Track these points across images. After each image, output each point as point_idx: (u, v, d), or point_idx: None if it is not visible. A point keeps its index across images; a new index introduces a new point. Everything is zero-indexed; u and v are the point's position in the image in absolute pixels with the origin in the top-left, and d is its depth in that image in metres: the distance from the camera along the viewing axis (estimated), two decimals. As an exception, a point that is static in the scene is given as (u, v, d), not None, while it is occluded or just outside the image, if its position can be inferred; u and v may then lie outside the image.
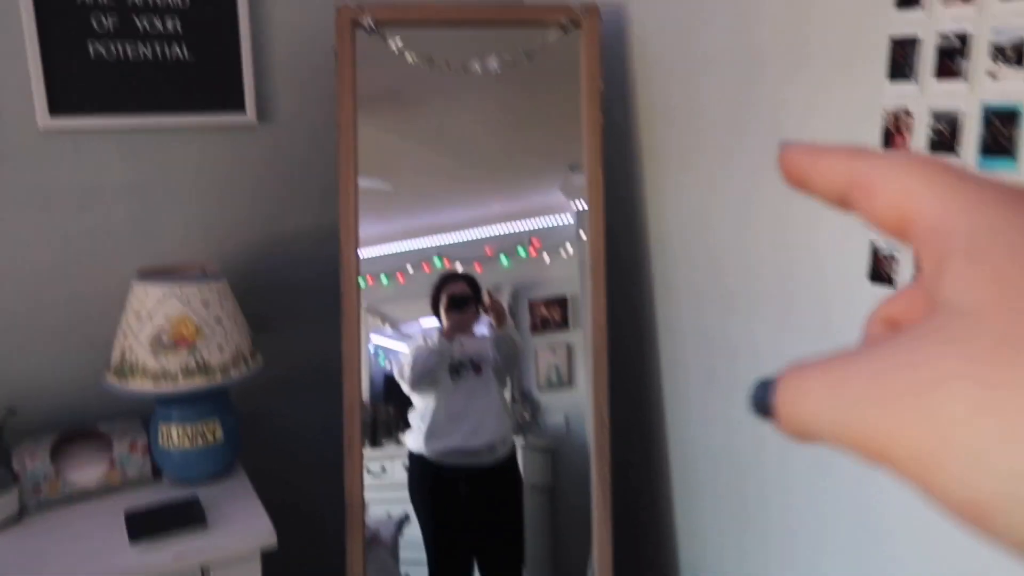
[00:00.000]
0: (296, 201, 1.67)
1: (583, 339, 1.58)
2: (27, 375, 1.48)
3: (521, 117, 1.62)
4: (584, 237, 1.55)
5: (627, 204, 1.65)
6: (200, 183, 1.57)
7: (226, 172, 1.59)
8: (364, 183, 1.48)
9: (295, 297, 1.69)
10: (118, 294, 1.43)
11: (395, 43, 1.51)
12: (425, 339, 1.55)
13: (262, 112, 1.60)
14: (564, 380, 1.54)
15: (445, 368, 1.56)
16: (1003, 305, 0.17)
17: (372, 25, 1.50)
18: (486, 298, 1.56)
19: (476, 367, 1.57)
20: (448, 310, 1.55)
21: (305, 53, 1.61)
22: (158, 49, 1.49)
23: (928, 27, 1.06)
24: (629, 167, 1.63)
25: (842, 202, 0.23)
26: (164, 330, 1.37)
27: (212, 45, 1.53)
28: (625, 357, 1.68)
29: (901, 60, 1.09)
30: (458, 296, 1.56)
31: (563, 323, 1.53)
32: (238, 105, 1.57)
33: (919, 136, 1.08)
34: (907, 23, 1.08)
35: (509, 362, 1.61)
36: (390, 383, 1.56)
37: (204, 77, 1.53)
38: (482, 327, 1.58)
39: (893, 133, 1.11)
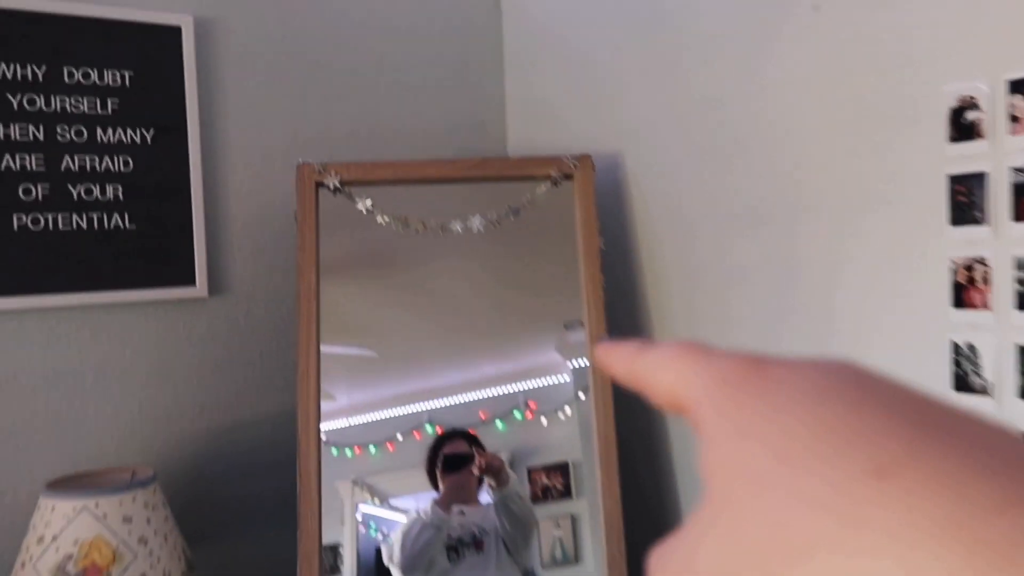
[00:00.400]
0: (254, 383, 1.43)
1: (589, 509, 1.32)
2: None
3: (510, 275, 1.44)
4: (584, 397, 1.32)
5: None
6: (139, 368, 1.35)
7: (171, 354, 1.37)
8: (343, 351, 1.30)
9: (251, 496, 1.42)
10: (29, 510, 1.17)
11: (364, 204, 1.34)
12: (419, 512, 1.29)
13: (214, 283, 1.40)
14: (570, 557, 1.33)
15: (441, 547, 1.29)
16: (721, 494, 0.19)
17: (338, 185, 1.33)
18: (478, 457, 1.31)
19: (477, 543, 1.30)
20: (443, 473, 1.31)
21: (265, 216, 1.43)
22: (95, 219, 1.30)
23: (996, 159, 0.87)
24: (636, 328, 1.41)
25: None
26: (71, 558, 1.09)
27: (158, 213, 1.34)
28: (641, 531, 1.39)
29: (965, 201, 0.90)
30: (453, 455, 1.32)
31: (566, 492, 1.35)
32: (186, 277, 1.37)
33: (1003, 289, 0.86)
34: (967, 158, 0.89)
35: (519, 526, 1.32)
36: (381, 561, 1.29)
37: (147, 248, 1.34)
38: (484, 494, 1.32)
39: (966, 287, 0.90)
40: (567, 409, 1.34)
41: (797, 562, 0.16)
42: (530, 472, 1.36)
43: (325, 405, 1.27)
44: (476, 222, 1.35)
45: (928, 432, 0.17)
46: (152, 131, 1.34)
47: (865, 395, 0.18)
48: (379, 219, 1.34)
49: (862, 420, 0.17)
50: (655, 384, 0.24)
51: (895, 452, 0.16)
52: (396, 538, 1.29)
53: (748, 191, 1.18)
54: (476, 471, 1.31)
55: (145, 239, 1.34)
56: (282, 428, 1.38)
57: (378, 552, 1.31)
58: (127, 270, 1.33)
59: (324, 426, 1.25)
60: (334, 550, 1.25)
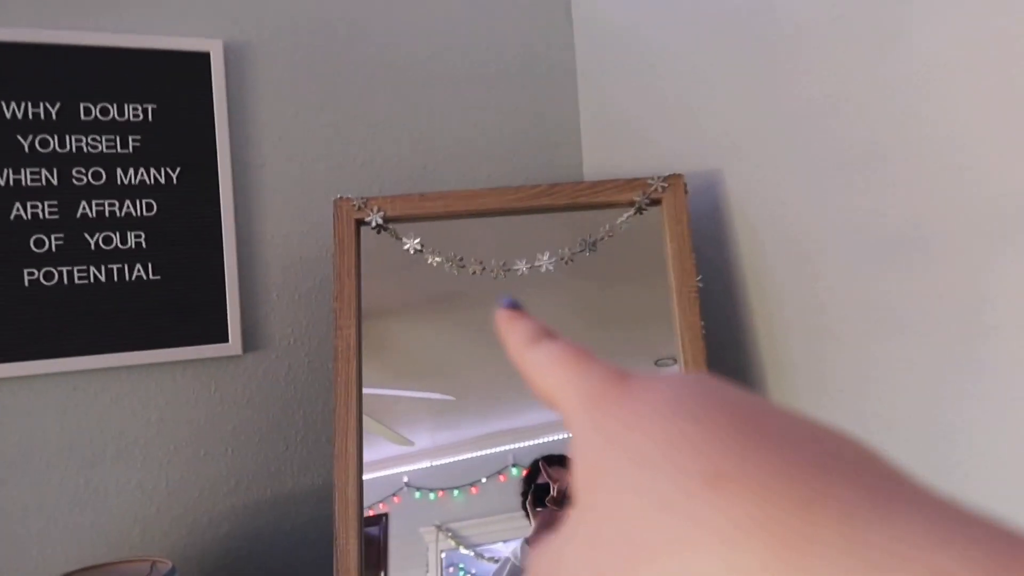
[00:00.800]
0: (297, 452, 1.24)
1: None
2: None
3: (589, 315, 1.24)
4: None
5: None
6: (165, 438, 1.18)
7: (201, 421, 1.20)
8: (419, 395, 1.18)
9: (292, 587, 1.23)
10: (36, 604, 1.01)
11: (412, 244, 1.13)
12: (511, 555, 1.12)
13: (250, 339, 1.22)
14: None
15: None
16: (586, 498, 0.20)
17: (380, 222, 1.13)
18: (554, 482, 1.11)
19: None
20: (534, 505, 1.12)
21: (307, 261, 1.26)
22: (115, 270, 1.15)
23: None
24: (748, 384, 1.15)
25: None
26: (66, 675, 0.92)
27: (185, 261, 1.18)
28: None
29: None
30: (546, 485, 1.12)
31: None
32: (218, 333, 1.20)
33: None
34: None
35: None
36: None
37: (174, 301, 1.18)
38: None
39: None
40: None
41: (645, 560, 0.18)
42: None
43: (403, 450, 1.15)
44: (545, 260, 1.13)
45: (759, 440, 0.19)
46: (178, 170, 1.18)
47: (712, 407, 0.20)
48: (430, 260, 1.14)
49: (705, 431, 0.19)
50: (537, 383, 0.26)
51: (728, 460, 0.18)
52: None
53: (893, 210, 0.91)
54: (552, 501, 1.09)
55: (171, 291, 1.18)
56: (330, 504, 1.19)
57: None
58: (151, 327, 1.17)
59: (405, 468, 1.14)
60: None
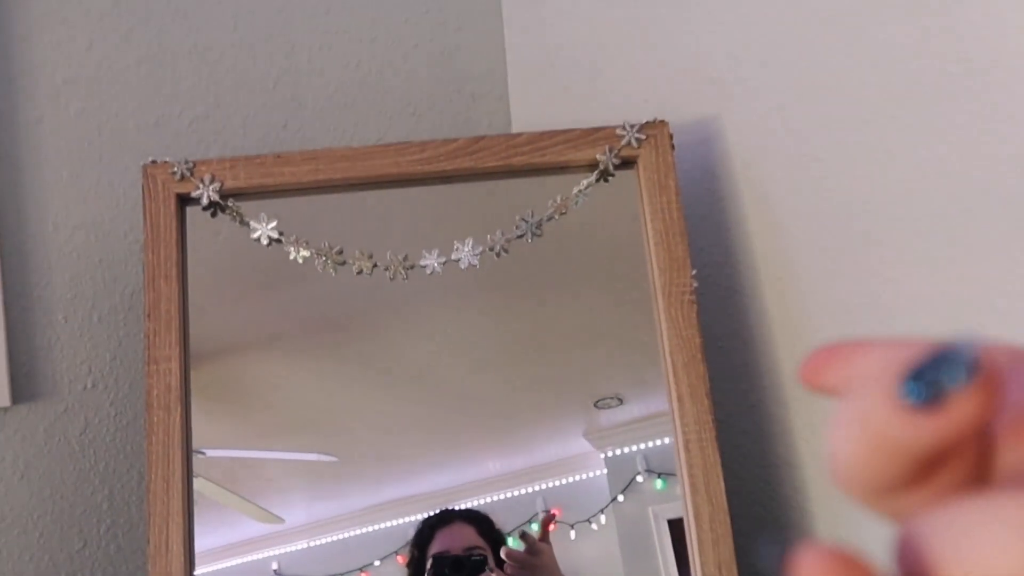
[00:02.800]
0: (97, 550, 0.83)
1: None
2: None
3: (525, 331, 0.96)
4: (623, 500, 0.88)
5: (754, 482, 0.82)
6: None
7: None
8: (290, 456, 0.91)
9: None
10: None
11: (264, 230, 0.74)
12: None
13: (22, 384, 0.80)
14: None
15: None
16: None
17: (215, 197, 0.73)
18: (505, 555, 0.82)
19: None
20: None
21: (112, 266, 0.84)
22: None
23: None
24: (756, 420, 0.81)
25: None
26: None
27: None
28: None
29: None
30: (451, 558, 0.83)
31: None
32: (-34, 377, 0.77)
33: None
34: None
35: None
36: None
37: None
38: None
39: None
40: (602, 518, 0.96)
41: None
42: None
43: (271, 528, 0.90)
44: (466, 252, 0.75)
45: None
46: None
47: None
48: (293, 254, 0.74)
49: None
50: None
51: None
52: None
53: (987, 155, 0.58)
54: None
55: None
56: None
57: None
58: None
59: (274, 552, 0.91)
60: None
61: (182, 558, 0.73)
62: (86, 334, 0.83)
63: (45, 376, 0.81)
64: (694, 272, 0.74)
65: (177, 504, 0.73)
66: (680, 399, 0.73)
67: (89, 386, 0.82)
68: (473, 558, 0.81)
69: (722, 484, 0.71)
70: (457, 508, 0.87)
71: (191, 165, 0.74)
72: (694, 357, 0.73)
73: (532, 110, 1.02)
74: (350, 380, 0.91)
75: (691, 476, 0.72)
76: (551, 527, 0.85)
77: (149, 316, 0.73)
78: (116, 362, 0.83)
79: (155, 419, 0.73)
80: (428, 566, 0.81)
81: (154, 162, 0.75)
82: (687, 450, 0.72)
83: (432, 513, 0.85)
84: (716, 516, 0.71)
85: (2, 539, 0.79)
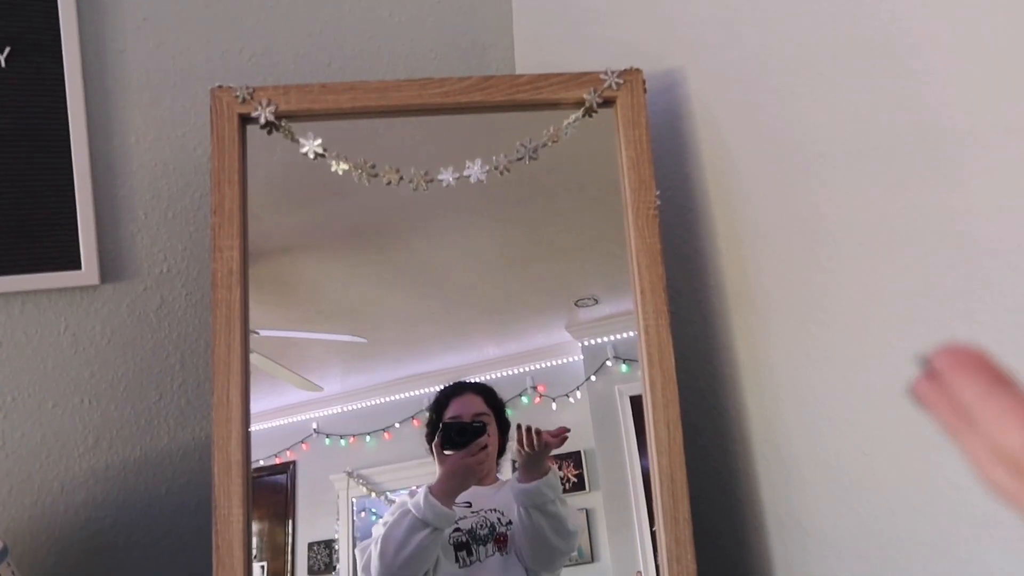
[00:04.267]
0: (173, 402, 1.00)
1: (603, 502, 1.01)
2: None
3: (516, 238, 1.07)
4: (595, 379, 0.99)
5: (698, 361, 0.97)
6: (1, 385, 0.91)
7: (48, 365, 0.93)
8: (330, 337, 1.04)
9: (166, 558, 0.99)
10: None
11: (311, 146, 0.89)
12: (409, 506, 0.89)
13: (110, 266, 0.96)
14: (586, 555, 1.08)
15: (447, 546, 0.88)
16: None
17: (271, 118, 0.88)
18: (532, 434, 0.91)
19: (499, 540, 0.89)
20: (441, 447, 0.91)
21: (183, 170, 0.99)
22: (-75, 175, 0.86)
23: None
24: (704, 319, 0.96)
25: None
26: None
27: (20, 167, 0.90)
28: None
29: None
30: (457, 424, 0.93)
31: (579, 483, 1.09)
32: (67, 257, 0.93)
33: None
34: None
35: (563, 535, 0.91)
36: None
37: (7, 216, 0.90)
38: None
39: None
40: (578, 393, 1.08)
41: None
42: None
43: (312, 395, 1.02)
44: (475, 170, 0.90)
45: None
46: (8, 49, 0.90)
47: None
48: (335, 167, 0.89)
49: None
50: (997, 440, 0.21)
51: None
52: (374, 542, 0.89)
53: (914, 109, 0.72)
54: (522, 450, 0.91)
55: (4, 205, 0.90)
56: (206, 468, 0.94)
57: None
58: (-21, 248, 0.89)
59: (313, 414, 1.01)
60: (328, 546, 1.04)
61: (240, 408, 0.87)
62: (162, 228, 0.98)
63: (128, 261, 0.97)
64: (658, 192, 0.89)
65: (236, 365, 0.88)
66: (643, 293, 0.88)
67: (164, 270, 0.98)
68: (475, 424, 0.93)
69: (672, 360, 0.87)
70: (467, 381, 0.99)
71: (251, 90, 0.89)
72: (655, 260, 0.88)
73: (530, 52, 1.16)
74: (378, 278, 1.04)
75: (648, 353, 0.88)
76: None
77: (215, 212, 0.88)
78: (186, 251, 0.99)
79: (219, 296, 0.88)
80: (439, 430, 0.93)
81: (220, 87, 0.89)
82: (646, 333, 0.88)
83: (447, 385, 0.98)
84: (667, 385, 0.87)
85: (94, 391, 0.96)
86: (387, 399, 1.09)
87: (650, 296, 0.88)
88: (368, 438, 1.10)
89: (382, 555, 0.87)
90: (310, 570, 0.98)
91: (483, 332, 1.12)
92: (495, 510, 0.91)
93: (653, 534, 0.91)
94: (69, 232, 0.93)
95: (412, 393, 1.07)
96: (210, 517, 0.82)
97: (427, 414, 0.98)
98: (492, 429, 0.95)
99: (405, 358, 1.11)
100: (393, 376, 1.09)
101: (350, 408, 1.06)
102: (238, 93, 0.88)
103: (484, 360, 1.10)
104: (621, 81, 0.90)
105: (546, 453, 0.92)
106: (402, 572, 0.86)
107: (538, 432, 0.92)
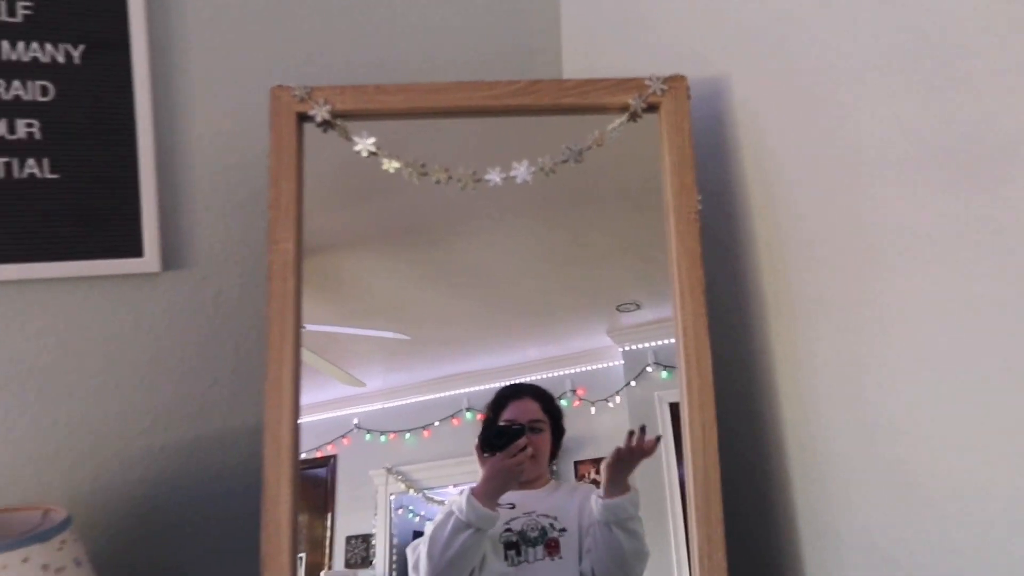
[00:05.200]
0: (226, 387, 1.03)
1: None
2: None
3: (564, 241, 1.07)
4: (635, 385, 0.98)
5: (736, 365, 0.97)
6: (66, 367, 0.95)
7: (111, 348, 0.97)
8: (374, 333, 1.05)
9: (217, 538, 1.02)
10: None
11: (365, 144, 0.91)
12: (453, 508, 0.90)
13: (171, 254, 0.99)
14: None
15: (496, 545, 0.88)
16: None
17: (328, 117, 0.90)
18: (636, 442, 0.91)
19: (550, 545, 0.89)
20: (483, 449, 0.92)
21: (243, 164, 1.02)
22: (2, 165, 0.90)
23: None
24: (742, 316, 0.97)
25: None
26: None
27: (91, 156, 0.94)
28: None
29: None
30: (495, 427, 0.93)
31: None
32: (131, 245, 0.96)
33: None
34: None
35: (616, 561, 0.88)
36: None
37: (77, 205, 0.93)
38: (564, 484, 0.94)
39: None
40: (617, 398, 1.06)
41: None
42: (577, 466, 1.06)
43: (354, 391, 1.03)
44: (522, 170, 0.91)
45: None
46: (82, 47, 0.93)
47: None
48: (386, 165, 0.91)
49: None
50: None
51: None
52: (423, 541, 0.90)
53: (964, 118, 0.72)
54: (621, 452, 0.90)
55: (74, 193, 0.93)
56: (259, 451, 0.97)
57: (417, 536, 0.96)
58: (49, 235, 0.92)
59: (355, 410, 1.02)
60: (365, 540, 1.04)
61: (291, 393, 0.90)
62: (221, 220, 1.01)
63: (188, 251, 1.00)
64: (699, 197, 0.89)
65: (288, 352, 0.91)
66: (682, 295, 0.89)
67: (222, 260, 1.01)
68: (513, 427, 0.94)
69: (709, 362, 0.88)
70: (525, 384, 0.99)
71: (309, 90, 0.91)
72: (695, 263, 0.89)
73: (577, 56, 1.17)
74: (422, 278, 1.05)
75: (686, 355, 0.89)
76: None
77: (272, 207, 0.91)
78: (243, 244, 1.02)
79: (275, 287, 0.90)
80: (480, 432, 0.94)
81: (280, 86, 0.91)
82: (684, 335, 0.89)
83: (506, 386, 0.98)
84: (703, 387, 0.88)
85: (152, 374, 0.99)
86: (427, 397, 1.09)
87: (689, 298, 0.89)
88: (407, 435, 1.11)
89: (430, 555, 0.88)
90: (347, 564, 0.98)
91: (524, 334, 1.12)
92: (547, 515, 0.91)
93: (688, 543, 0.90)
94: (133, 221, 0.96)
95: (452, 392, 1.07)
96: (258, 501, 0.84)
97: (466, 414, 0.99)
98: (546, 435, 0.95)
99: (446, 357, 1.11)
100: (434, 375, 1.10)
101: (391, 405, 1.07)
102: (296, 92, 0.90)
103: (524, 362, 1.10)
104: (665, 87, 0.91)
105: (636, 462, 0.91)
106: (448, 570, 0.87)
107: (643, 430, 0.91)
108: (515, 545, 0.90)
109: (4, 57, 0.90)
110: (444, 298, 1.11)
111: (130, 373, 0.97)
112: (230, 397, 1.02)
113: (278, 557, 0.84)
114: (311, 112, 0.90)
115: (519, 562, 0.89)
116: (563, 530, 0.90)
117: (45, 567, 0.77)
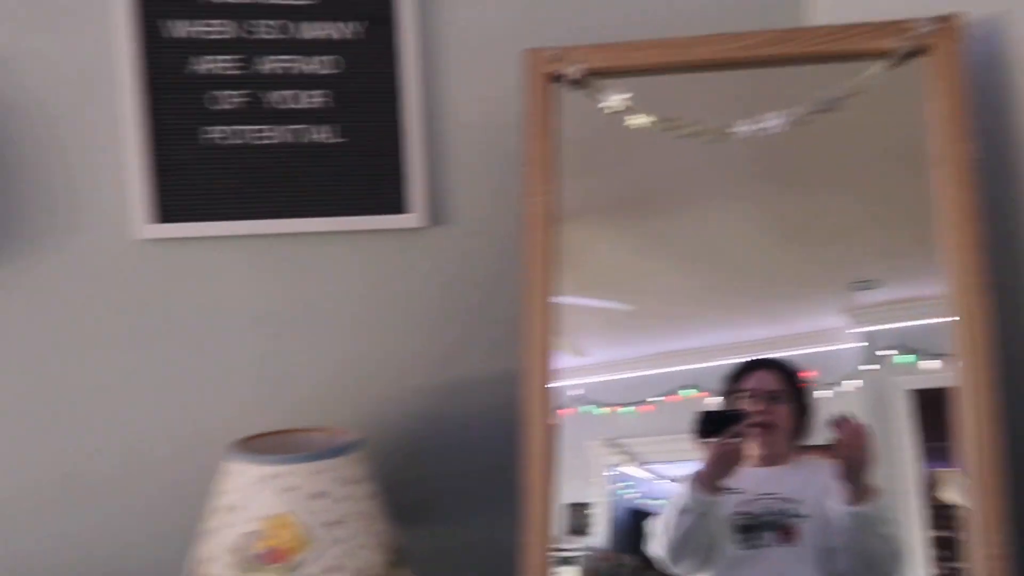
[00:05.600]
0: (483, 334, 1.11)
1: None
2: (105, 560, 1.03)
3: (795, 213, 1.00)
4: (873, 367, 0.91)
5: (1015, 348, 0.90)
6: (345, 311, 1.08)
7: (382, 296, 1.08)
8: (596, 303, 1.04)
9: (473, 471, 1.12)
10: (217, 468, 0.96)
11: (617, 100, 0.94)
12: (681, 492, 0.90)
13: (436, 211, 1.09)
14: None
15: (728, 528, 0.87)
16: None
17: (580, 76, 0.94)
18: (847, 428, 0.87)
19: (785, 529, 0.86)
20: (700, 434, 0.90)
21: (501, 126, 1.09)
22: (298, 132, 1.03)
23: None
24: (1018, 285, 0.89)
25: None
26: (254, 536, 0.84)
27: (367, 123, 1.05)
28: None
29: None
30: (710, 412, 0.91)
31: None
32: (402, 203, 1.07)
33: None
34: None
35: (868, 563, 0.84)
36: (638, 521, 0.97)
37: (358, 166, 1.05)
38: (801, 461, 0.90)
39: None
40: (851, 383, 0.97)
41: None
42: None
43: (573, 361, 1.02)
44: (772, 121, 0.90)
45: None
46: (366, 23, 1.04)
47: None
48: (636, 121, 0.94)
49: None
50: None
51: None
52: (659, 521, 0.91)
53: None
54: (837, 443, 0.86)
55: (356, 156, 1.05)
56: (508, 394, 1.05)
57: (635, 513, 0.98)
58: (336, 193, 1.05)
59: (573, 382, 1.01)
60: (582, 509, 1.04)
61: (545, 338, 0.96)
62: (479, 178, 1.09)
63: (451, 207, 1.09)
64: (977, 145, 0.83)
65: (542, 300, 0.95)
66: (950, 270, 0.83)
67: (481, 215, 1.10)
68: (727, 413, 0.92)
69: (987, 337, 0.81)
70: (763, 357, 0.96)
71: (562, 51, 0.96)
72: (969, 219, 0.83)
73: (823, 11, 1.12)
74: (648, 251, 1.04)
75: (957, 325, 0.83)
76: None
77: (526, 163, 0.96)
78: (499, 200, 1.09)
79: (531, 237, 0.96)
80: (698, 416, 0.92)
81: (532, 49, 0.97)
82: (957, 303, 0.83)
83: (746, 360, 0.96)
84: (978, 368, 0.82)
85: (417, 318, 1.10)
86: (646, 372, 1.07)
87: (958, 256, 0.83)
88: (627, 409, 1.10)
89: (665, 532, 0.89)
90: (567, 531, 1.00)
91: (750, 311, 1.07)
92: (786, 498, 0.87)
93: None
94: (403, 181, 1.06)
95: (674, 368, 1.05)
96: (512, 438, 0.91)
97: (687, 391, 0.98)
98: (785, 407, 0.92)
99: (668, 333, 1.09)
100: (653, 350, 1.08)
101: (610, 378, 1.06)
102: (549, 54, 0.95)
103: (749, 340, 1.05)
104: (935, 28, 0.85)
105: (857, 456, 0.85)
106: (679, 549, 0.88)
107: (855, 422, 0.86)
108: (748, 529, 0.86)
109: (304, 35, 1.02)
110: (668, 272, 1.08)
111: (399, 319, 1.09)
112: (489, 344, 1.11)
113: (536, 490, 0.91)
114: (565, 71, 0.94)
115: (752, 546, 0.86)
116: (803, 516, 0.85)
117: (344, 478, 0.89)
